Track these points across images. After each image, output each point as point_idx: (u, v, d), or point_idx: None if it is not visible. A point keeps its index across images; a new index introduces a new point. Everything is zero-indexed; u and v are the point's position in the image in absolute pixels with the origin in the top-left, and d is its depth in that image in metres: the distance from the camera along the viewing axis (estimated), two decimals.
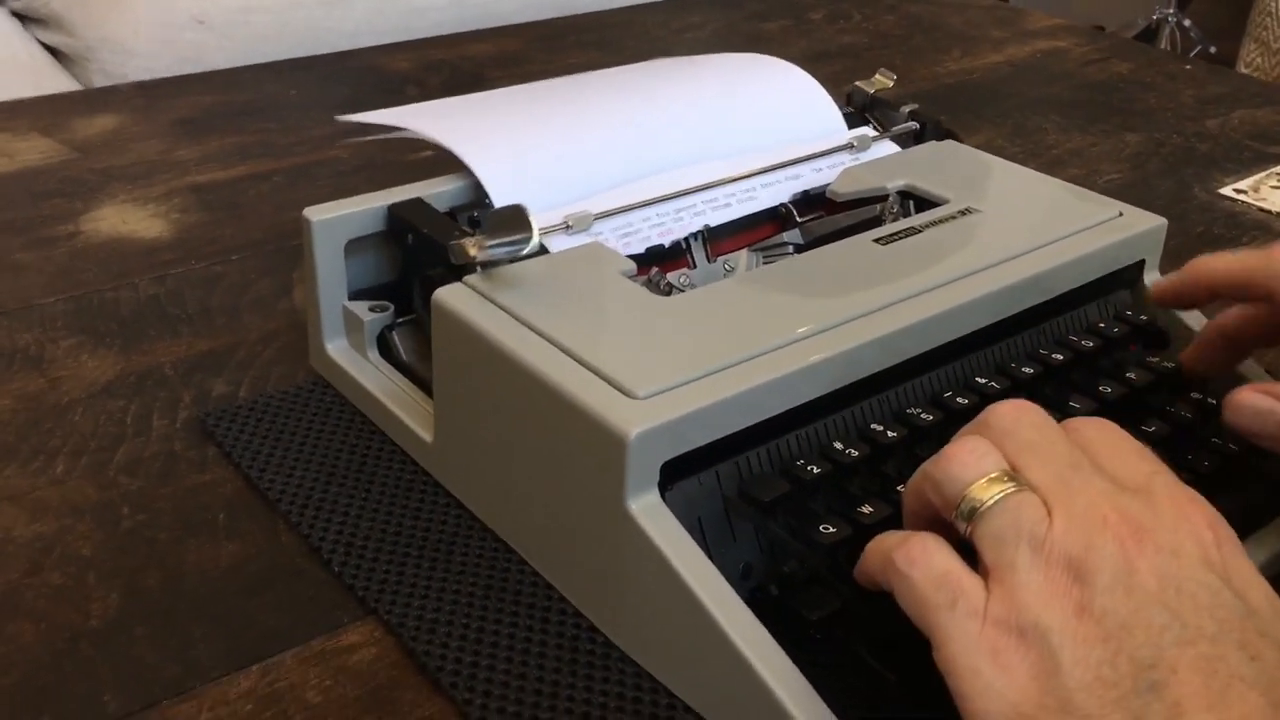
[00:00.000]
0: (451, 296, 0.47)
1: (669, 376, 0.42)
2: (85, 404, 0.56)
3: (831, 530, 0.41)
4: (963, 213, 0.54)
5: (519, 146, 0.56)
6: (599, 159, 0.56)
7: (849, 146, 0.62)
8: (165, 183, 0.78)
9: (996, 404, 0.37)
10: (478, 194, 0.54)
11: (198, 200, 0.76)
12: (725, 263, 0.57)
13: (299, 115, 0.90)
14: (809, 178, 0.60)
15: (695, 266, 0.56)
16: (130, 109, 0.90)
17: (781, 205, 0.59)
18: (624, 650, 0.43)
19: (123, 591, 0.46)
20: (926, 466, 0.37)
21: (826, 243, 0.53)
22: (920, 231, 0.52)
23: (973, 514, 0.34)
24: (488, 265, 0.48)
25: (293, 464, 0.52)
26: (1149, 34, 2.75)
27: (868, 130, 0.64)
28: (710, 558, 0.41)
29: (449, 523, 0.49)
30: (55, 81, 1.27)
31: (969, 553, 0.35)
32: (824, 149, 0.61)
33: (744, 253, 0.58)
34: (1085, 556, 0.32)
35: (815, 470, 0.42)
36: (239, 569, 0.47)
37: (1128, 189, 0.83)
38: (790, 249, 0.58)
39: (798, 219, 0.59)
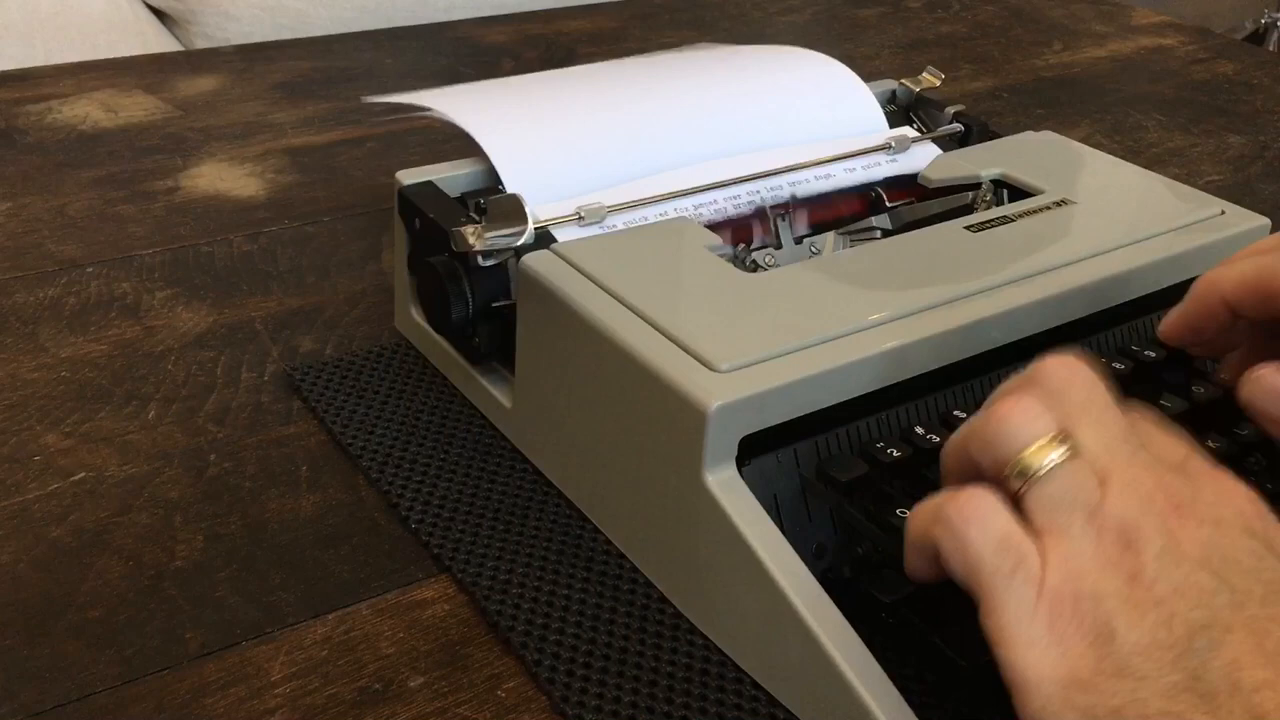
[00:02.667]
0: (538, 263, 0.48)
1: (751, 351, 0.42)
2: (178, 353, 0.57)
3: (908, 514, 0.40)
4: (1058, 204, 0.53)
5: (538, 134, 0.55)
6: (620, 150, 0.55)
7: (885, 147, 0.60)
8: (262, 144, 0.80)
9: (1046, 359, 0.36)
10: (493, 179, 0.54)
11: (292, 162, 0.78)
12: (811, 244, 0.57)
13: (394, 84, 0.91)
14: (840, 178, 0.58)
15: (781, 246, 0.56)
16: (231, 71, 0.92)
17: (871, 189, 0.59)
18: (693, 622, 0.44)
19: (207, 535, 0.47)
20: (975, 424, 0.36)
21: (915, 228, 0.53)
22: (1013, 221, 0.52)
23: (1023, 476, 0.34)
24: (488, 255, 0.48)
25: (374, 421, 0.53)
26: (1256, 38, 2.67)
27: (908, 131, 0.62)
28: (784, 536, 0.40)
29: (525, 487, 0.50)
30: (159, 42, 1.30)
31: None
32: (858, 149, 0.59)
33: (830, 235, 0.58)
34: (1136, 524, 0.32)
35: (894, 453, 0.42)
36: (319, 520, 0.48)
37: (1229, 192, 0.80)
38: (878, 233, 0.58)
39: (887, 204, 0.58)
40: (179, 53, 1.12)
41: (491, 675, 0.42)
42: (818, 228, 0.57)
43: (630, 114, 0.57)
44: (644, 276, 0.46)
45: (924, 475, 0.43)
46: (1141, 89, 0.98)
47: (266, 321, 0.60)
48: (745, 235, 0.55)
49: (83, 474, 0.49)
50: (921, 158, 0.60)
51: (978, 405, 0.45)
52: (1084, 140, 0.62)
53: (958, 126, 0.63)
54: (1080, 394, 0.35)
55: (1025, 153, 0.59)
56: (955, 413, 0.45)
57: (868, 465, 0.42)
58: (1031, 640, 0.32)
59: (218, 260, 0.66)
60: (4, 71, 0.90)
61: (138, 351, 0.58)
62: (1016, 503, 0.34)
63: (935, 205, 0.57)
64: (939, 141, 0.62)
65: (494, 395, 0.52)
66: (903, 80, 0.65)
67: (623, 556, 0.46)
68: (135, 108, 0.84)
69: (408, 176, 0.55)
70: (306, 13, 1.33)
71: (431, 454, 0.51)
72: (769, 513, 0.41)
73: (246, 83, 0.90)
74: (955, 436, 0.37)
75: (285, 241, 0.68)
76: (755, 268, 0.53)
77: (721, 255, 0.49)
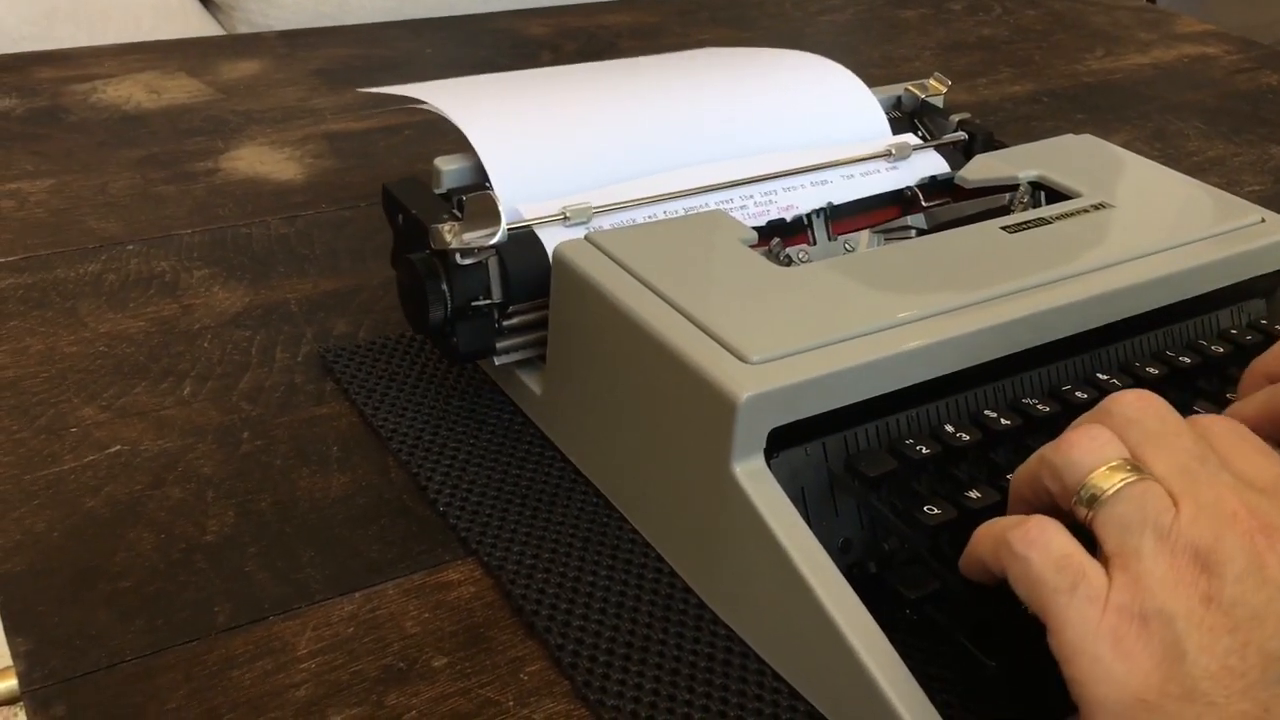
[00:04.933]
0: (572, 251, 0.48)
1: (783, 344, 0.42)
2: (214, 332, 0.58)
3: (936, 512, 0.40)
4: (1095, 207, 0.53)
5: (530, 131, 0.54)
6: (615, 151, 0.54)
7: (886, 154, 0.59)
8: (301, 128, 0.81)
9: (1119, 392, 0.37)
10: (482, 175, 0.53)
11: (331, 147, 0.78)
12: (846, 242, 0.57)
13: (434, 72, 0.91)
14: (838, 184, 0.57)
15: (815, 243, 0.56)
16: (273, 56, 0.92)
17: (907, 188, 0.59)
18: (717, 612, 0.44)
19: (238, 511, 0.47)
20: (1045, 452, 0.36)
21: (951, 228, 0.53)
22: (1050, 223, 0.51)
23: (1093, 501, 0.34)
24: (466, 253, 0.48)
25: (405, 405, 0.53)
26: None
27: (910, 138, 0.61)
28: (811, 529, 0.41)
29: (553, 475, 0.50)
30: (203, 27, 1.31)
31: (1087, 542, 0.34)
32: (857, 155, 0.58)
33: (865, 233, 0.58)
34: (1214, 547, 0.31)
35: (924, 450, 0.42)
36: (348, 500, 0.48)
37: (1269, 201, 0.79)
38: (913, 233, 0.58)
39: (923, 203, 0.58)
40: (222, 37, 1.13)
41: (515, 658, 0.42)
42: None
43: (627, 115, 0.56)
44: (678, 267, 0.47)
45: (952, 473, 0.43)
46: (1184, 97, 0.98)
47: (301, 303, 0.61)
48: (779, 230, 0.55)
49: (118, 447, 0.50)
50: (922, 166, 0.59)
51: (1009, 406, 0.45)
52: (1124, 146, 0.62)
53: (962, 135, 0.62)
54: (1153, 422, 0.35)
55: (1064, 155, 0.59)
56: (986, 412, 0.44)
57: (896, 461, 0.42)
58: (1096, 657, 0.31)
59: (255, 242, 0.66)
60: (51, 51, 0.91)
61: (175, 329, 0.58)
62: (1088, 526, 0.34)
63: (971, 206, 0.57)
64: (942, 150, 0.61)
65: (524, 382, 0.53)
66: (908, 86, 0.64)
67: (648, 545, 0.46)
68: (178, 90, 0.85)
69: (445, 163, 0.55)
70: (348, 1, 1.34)
71: (461, 439, 0.52)
72: (796, 506, 0.41)
73: (288, 68, 0.90)
74: (1026, 464, 0.37)
75: (322, 225, 0.69)
76: (789, 262, 0.53)
77: (755, 249, 0.49)
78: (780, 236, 0.54)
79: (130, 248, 0.65)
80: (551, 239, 0.50)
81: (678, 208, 0.53)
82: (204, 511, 0.47)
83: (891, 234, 0.58)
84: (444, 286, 0.49)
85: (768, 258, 0.50)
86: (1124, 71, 1.03)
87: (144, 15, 1.26)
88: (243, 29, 1.34)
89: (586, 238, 0.49)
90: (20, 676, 0.40)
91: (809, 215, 0.56)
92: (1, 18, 1.19)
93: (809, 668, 0.40)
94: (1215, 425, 0.36)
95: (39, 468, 0.49)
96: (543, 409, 0.52)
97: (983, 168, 0.58)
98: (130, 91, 0.84)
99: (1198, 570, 0.31)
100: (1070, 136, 0.62)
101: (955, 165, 0.60)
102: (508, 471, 0.50)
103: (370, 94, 0.58)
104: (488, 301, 0.50)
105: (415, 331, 0.52)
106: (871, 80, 0.64)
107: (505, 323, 0.51)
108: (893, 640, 0.38)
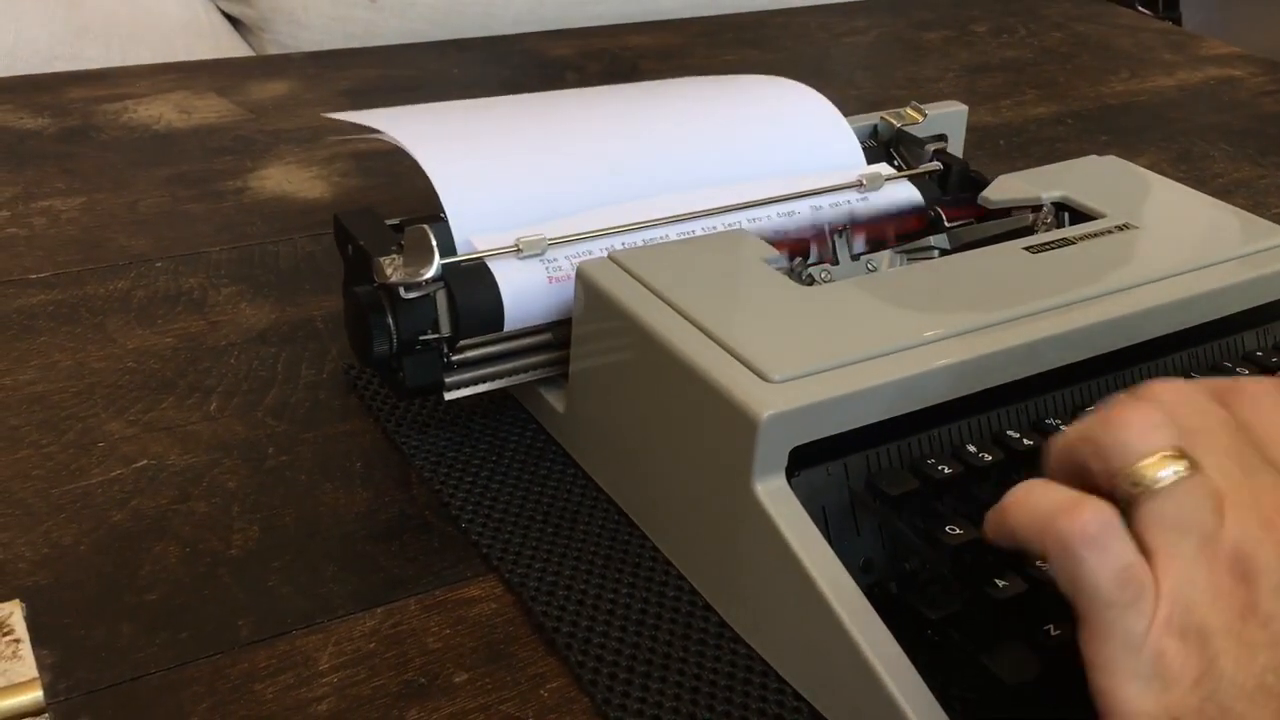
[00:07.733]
0: (596, 270, 0.48)
1: (804, 363, 0.42)
2: (241, 348, 0.59)
3: (957, 532, 0.40)
4: (1119, 228, 0.53)
5: (490, 161, 0.53)
6: (578, 180, 0.53)
7: (857, 185, 0.57)
8: (329, 148, 0.81)
9: (1156, 381, 0.35)
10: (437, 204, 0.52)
11: (358, 166, 0.79)
12: (868, 262, 0.57)
13: (460, 93, 0.92)
14: (806, 215, 0.56)
15: (838, 262, 0.56)
16: (301, 76, 0.93)
17: (931, 209, 0.59)
18: (737, 631, 0.44)
19: (262, 526, 0.48)
20: (1092, 428, 0.34)
21: (974, 248, 0.53)
22: (1073, 243, 0.51)
23: (1140, 490, 0.32)
24: (410, 287, 0.47)
25: (427, 421, 0.54)
26: None
27: (883, 167, 0.60)
28: (832, 548, 0.40)
29: (575, 492, 0.50)
30: (232, 47, 1.33)
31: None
32: (826, 186, 0.57)
33: (887, 253, 0.58)
34: (1253, 554, 0.31)
35: (946, 470, 0.42)
36: (371, 516, 0.49)
37: None
38: (935, 253, 0.58)
39: (946, 223, 0.58)
40: (252, 58, 1.14)
41: (535, 675, 0.42)
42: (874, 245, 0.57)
43: (593, 143, 0.55)
44: (700, 286, 0.47)
45: (974, 493, 0.43)
46: (1209, 119, 0.97)
47: (327, 320, 0.61)
48: (802, 250, 0.56)
49: (145, 462, 0.51)
50: (895, 196, 0.59)
51: (1031, 426, 0.45)
52: (1149, 169, 0.62)
53: (937, 164, 0.61)
54: (1194, 417, 0.34)
55: (1088, 176, 0.59)
56: (1009, 432, 0.44)
57: (918, 481, 0.42)
58: (1135, 673, 0.31)
59: (282, 259, 0.67)
60: (83, 71, 0.92)
61: (202, 345, 0.59)
62: (1126, 511, 0.32)
63: (994, 226, 0.57)
64: (916, 180, 0.60)
65: (547, 400, 0.53)
66: (884, 115, 0.63)
67: (669, 563, 0.47)
68: (208, 109, 0.86)
69: None
70: (376, 23, 1.35)
71: (484, 456, 0.52)
72: (817, 525, 0.41)
73: (316, 88, 0.91)
74: (1065, 436, 0.35)
75: None
76: (812, 281, 0.53)
77: (778, 268, 0.49)
78: (801, 255, 0.54)
79: (159, 265, 0.66)
80: (504, 271, 0.50)
81: (637, 239, 0.52)
82: (229, 526, 0.48)
83: (914, 254, 0.58)
84: (389, 320, 0.48)
85: (790, 277, 0.50)
86: (1149, 93, 1.02)
87: (175, 36, 1.27)
88: (272, 50, 1.36)
89: (610, 256, 0.49)
90: (46, 688, 0.40)
91: (832, 234, 0.56)
92: (34, 38, 1.21)
93: (830, 687, 0.40)
94: (1261, 401, 0.34)
95: (67, 481, 0.49)
96: (565, 427, 0.52)
97: (1006, 188, 0.58)
98: (161, 111, 0.85)
99: (1236, 580, 0.31)
100: (1094, 158, 0.62)
101: (929, 196, 0.60)
102: (529, 489, 0.50)
103: (333, 119, 0.57)
104: (434, 336, 0.49)
105: (362, 365, 0.51)
106: (896, 101, 0.64)
107: (455, 356, 0.50)
108: (914, 661, 0.38)
